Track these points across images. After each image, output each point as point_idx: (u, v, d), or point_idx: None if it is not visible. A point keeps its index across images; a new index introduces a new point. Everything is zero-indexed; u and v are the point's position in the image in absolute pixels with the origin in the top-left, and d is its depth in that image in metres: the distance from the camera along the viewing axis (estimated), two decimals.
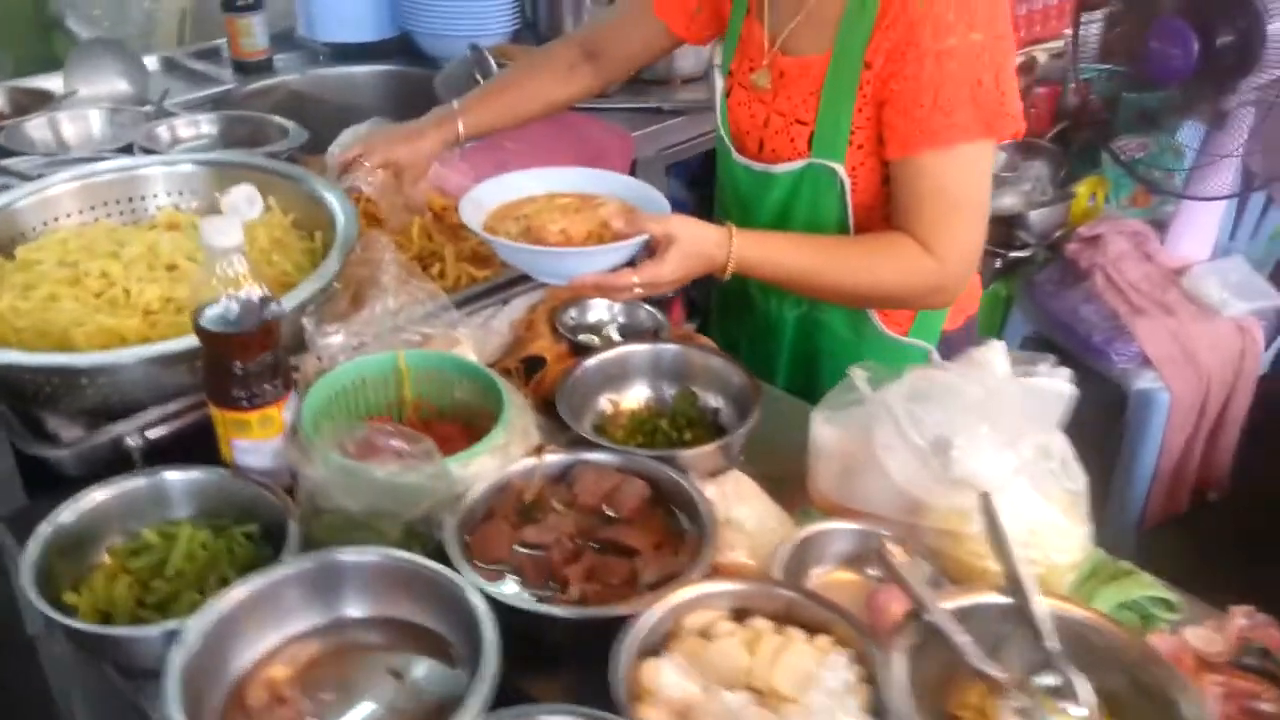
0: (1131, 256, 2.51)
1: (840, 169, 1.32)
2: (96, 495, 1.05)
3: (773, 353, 1.54)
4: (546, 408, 1.25)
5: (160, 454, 1.14)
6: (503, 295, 1.44)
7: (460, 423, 1.20)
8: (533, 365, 1.34)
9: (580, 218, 1.27)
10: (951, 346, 1.39)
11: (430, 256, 1.52)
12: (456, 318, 1.31)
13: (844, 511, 1.11)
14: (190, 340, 1.06)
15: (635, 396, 1.33)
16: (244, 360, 1.04)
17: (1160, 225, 2.58)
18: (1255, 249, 2.62)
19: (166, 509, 1.07)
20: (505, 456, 1.10)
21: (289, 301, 1.16)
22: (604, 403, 1.32)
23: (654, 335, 1.43)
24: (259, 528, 1.06)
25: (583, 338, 1.42)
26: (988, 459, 1.00)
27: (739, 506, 1.11)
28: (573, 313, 1.46)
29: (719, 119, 1.46)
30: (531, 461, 1.12)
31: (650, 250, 1.24)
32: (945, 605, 0.89)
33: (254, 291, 1.04)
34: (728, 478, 1.17)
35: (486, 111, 1.53)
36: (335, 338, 1.18)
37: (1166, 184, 2.42)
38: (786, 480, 1.16)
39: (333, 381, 1.15)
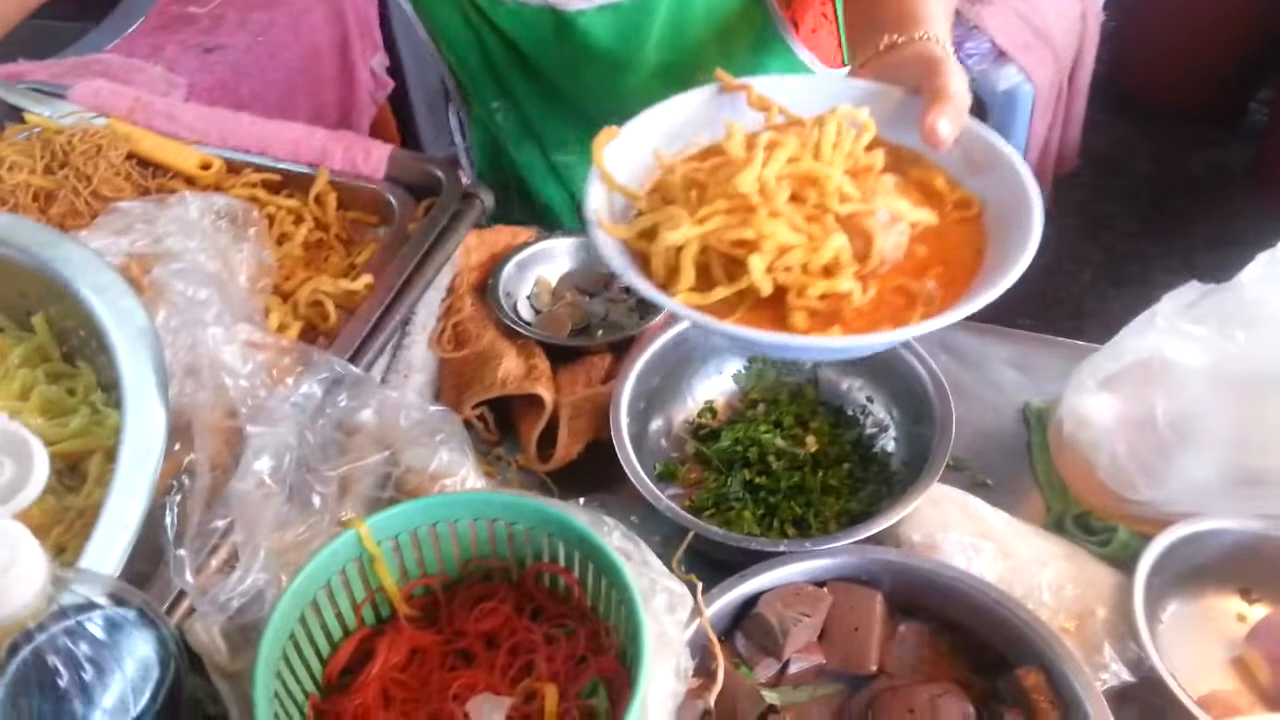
0: None
1: None
2: None
3: None
4: (568, 479, 0.78)
5: None
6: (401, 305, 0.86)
7: (483, 579, 0.68)
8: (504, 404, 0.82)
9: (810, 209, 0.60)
10: None
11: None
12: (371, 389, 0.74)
13: (1139, 518, 0.74)
14: None
15: (695, 406, 0.85)
16: None
17: None
18: None
19: None
20: None
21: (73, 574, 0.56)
22: (655, 429, 0.83)
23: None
24: None
25: (540, 323, 0.89)
26: None
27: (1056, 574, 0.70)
28: (507, 283, 0.92)
29: None
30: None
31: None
32: None
33: None
34: (945, 511, 0.74)
35: None
36: (242, 576, 0.60)
37: None
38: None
39: (271, 655, 0.58)
